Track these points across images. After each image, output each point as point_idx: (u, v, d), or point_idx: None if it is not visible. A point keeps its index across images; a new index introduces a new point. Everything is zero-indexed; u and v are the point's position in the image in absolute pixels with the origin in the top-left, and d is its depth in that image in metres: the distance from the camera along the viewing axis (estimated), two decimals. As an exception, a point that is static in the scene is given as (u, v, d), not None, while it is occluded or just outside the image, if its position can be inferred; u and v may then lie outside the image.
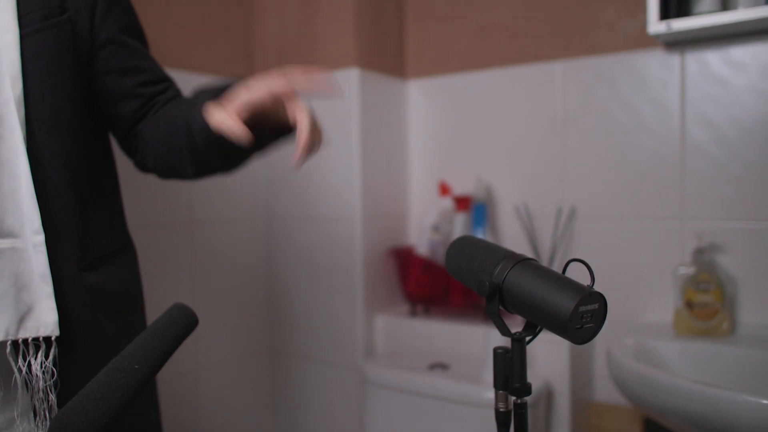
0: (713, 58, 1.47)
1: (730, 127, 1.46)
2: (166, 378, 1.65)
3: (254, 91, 0.86)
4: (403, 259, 1.87)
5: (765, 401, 1.00)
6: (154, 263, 1.65)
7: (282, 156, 1.96)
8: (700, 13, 1.38)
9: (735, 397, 1.03)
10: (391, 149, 1.92)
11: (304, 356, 1.95)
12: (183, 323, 0.74)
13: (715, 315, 1.39)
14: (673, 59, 1.52)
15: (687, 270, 1.42)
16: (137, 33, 1.07)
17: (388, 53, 1.91)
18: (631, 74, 1.58)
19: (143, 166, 1.09)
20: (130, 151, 1.09)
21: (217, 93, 0.93)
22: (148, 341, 0.70)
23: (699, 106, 1.49)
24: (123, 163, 1.13)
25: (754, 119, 1.43)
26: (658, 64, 1.55)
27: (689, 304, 1.41)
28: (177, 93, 1.09)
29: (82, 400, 0.61)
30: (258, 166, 2.00)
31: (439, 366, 1.63)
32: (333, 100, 1.83)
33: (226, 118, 0.86)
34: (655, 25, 1.41)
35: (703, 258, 1.42)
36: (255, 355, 2.00)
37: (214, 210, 1.85)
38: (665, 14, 1.41)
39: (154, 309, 1.12)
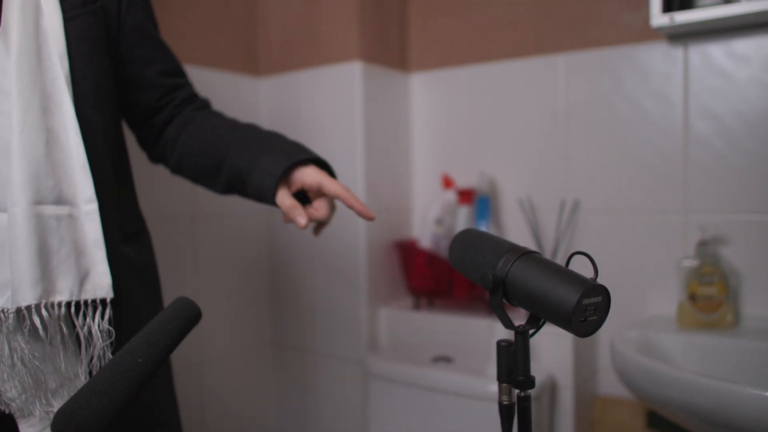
0: (716, 51, 1.47)
1: (734, 120, 1.45)
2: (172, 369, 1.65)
3: (334, 189, 1.03)
4: (407, 252, 1.87)
5: (768, 394, 1.00)
6: (158, 257, 1.64)
7: (285, 150, 1.96)
8: (703, 6, 1.38)
9: (739, 389, 1.03)
10: (395, 142, 1.92)
11: (308, 349, 1.96)
12: (186, 317, 0.75)
13: (719, 308, 1.39)
14: (677, 52, 1.52)
15: (690, 263, 1.42)
16: (156, 23, 1.13)
17: (391, 46, 1.91)
18: (634, 67, 1.58)
19: (159, 159, 1.18)
20: (145, 142, 1.17)
21: (280, 157, 1.04)
22: (152, 335, 0.70)
23: (702, 99, 1.49)
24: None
25: (758, 112, 1.42)
26: (661, 57, 1.54)
27: (693, 297, 1.41)
28: (193, 92, 1.17)
29: (87, 394, 0.62)
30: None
31: (443, 359, 1.63)
32: (336, 93, 1.83)
33: (297, 211, 1.01)
34: (658, 18, 1.40)
35: (707, 251, 1.41)
36: (258, 349, 2.01)
37: (218, 204, 1.85)
38: (668, 7, 1.41)
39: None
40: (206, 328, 1.79)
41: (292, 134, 1.92)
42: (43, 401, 0.89)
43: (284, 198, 1.02)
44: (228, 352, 1.91)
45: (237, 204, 1.92)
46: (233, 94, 1.92)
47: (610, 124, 1.62)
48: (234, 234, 1.93)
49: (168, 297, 1.13)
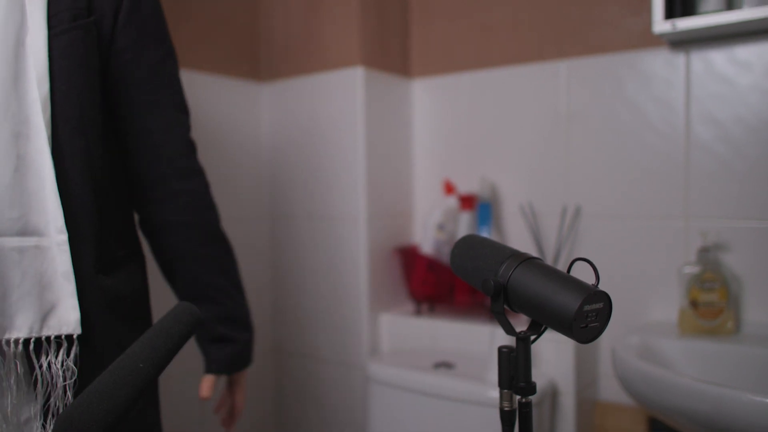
0: (718, 58, 1.47)
1: (735, 126, 1.45)
2: (170, 376, 1.65)
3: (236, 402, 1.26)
4: (408, 257, 1.87)
5: (770, 400, 1.00)
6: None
7: (286, 155, 1.97)
8: (705, 13, 1.38)
9: (740, 396, 1.03)
10: (396, 148, 1.92)
11: (309, 355, 1.96)
12: (188, 322, 0.75)
13: (720, 314, 1.39)
14: (678, 58, 1.52)
15: (692, 269, 1.42)
16: (159, 41, 1.06)
17: (392, 52, 1.91)
18: (635, 73, 1.58)
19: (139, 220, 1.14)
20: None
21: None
22: (154, 340, 0.70)
23: (704, 105, 1.49)
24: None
25: (759, 118, 1.42)
26: (663, 63, 1.54)
27: (694, 303, 1.41)
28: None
29: (88, 398, 0.62)
30: (262, 165, 2.00)
31: (444, 365, 1.63)
32: (337, 98, 1.83)
33: (207, 391, 1.17)
34: (660, 24, 1.41)
35: (708, 257, 1.41)
36: (259, 354, 2.00)
37: (220, 209, 1.85)
38: (670, 13, 1.41)
39: (160, 308, 1.13)
40: (207, 333, 1.78)
41: (294, 139, 1.94)
42: None
43: (209, 379, 1.19)
44: (229, 357, 1.90)
45: (238, 209, 1.93)
46: (235, 99, 1.92)
47: (612, 129, 1.62)
48: (235, 239, 1.92)
49: (169, 303, 1.13)
